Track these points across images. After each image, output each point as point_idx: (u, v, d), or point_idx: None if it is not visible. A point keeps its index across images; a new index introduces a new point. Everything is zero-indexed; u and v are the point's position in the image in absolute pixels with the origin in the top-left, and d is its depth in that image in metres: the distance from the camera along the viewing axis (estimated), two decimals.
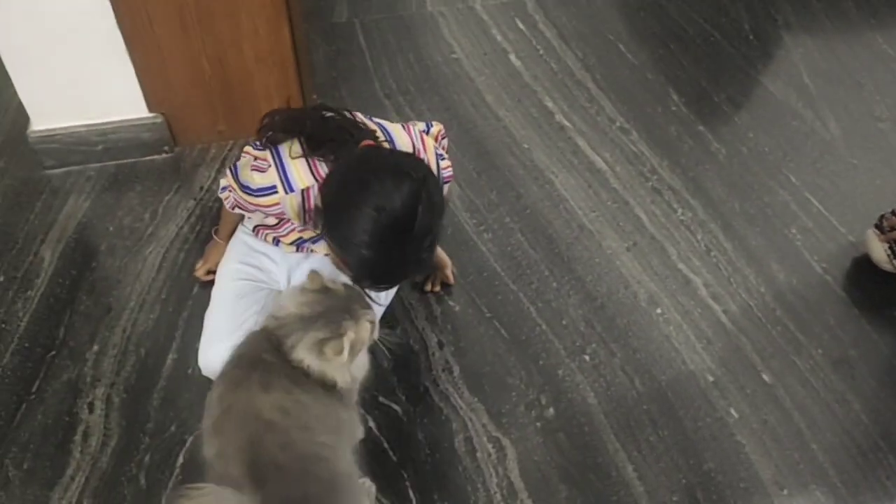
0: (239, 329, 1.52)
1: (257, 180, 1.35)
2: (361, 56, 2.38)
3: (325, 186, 1.28)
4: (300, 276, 1.59)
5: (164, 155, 2.06)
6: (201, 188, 1.98)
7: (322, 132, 1.33)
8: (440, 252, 1.77)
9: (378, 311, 1.63)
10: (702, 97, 2.25)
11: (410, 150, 1.38)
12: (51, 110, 1.93)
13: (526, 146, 2.12)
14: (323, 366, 1.16)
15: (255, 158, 1.38)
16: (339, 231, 1.23)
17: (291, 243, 1.54)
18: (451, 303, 1.78)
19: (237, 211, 1.50)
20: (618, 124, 2.18)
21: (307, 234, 1.51)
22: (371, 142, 1.33)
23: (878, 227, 1.82)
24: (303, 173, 1.33)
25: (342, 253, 1.25)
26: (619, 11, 2.52)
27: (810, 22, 2.51)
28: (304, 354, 1.16)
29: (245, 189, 1.37)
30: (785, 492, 1.51)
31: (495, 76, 2.31)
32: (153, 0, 1.74)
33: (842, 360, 1.69)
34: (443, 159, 1.44)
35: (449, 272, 1.79)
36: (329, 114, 1.38)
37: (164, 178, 2.01)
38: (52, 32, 1.77)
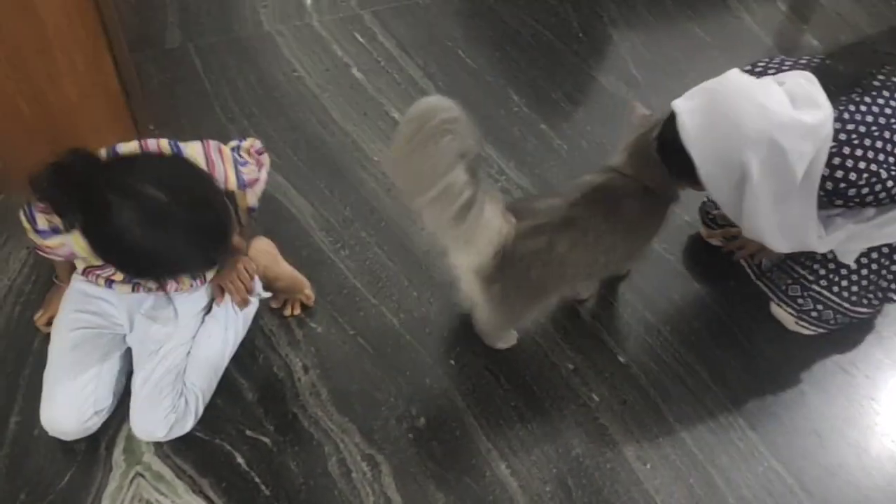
0: (78, 381, 1.45)
1: (41, 221, 1.30)
2: (199, 81, 2.31)
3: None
4: (142, 319, 1.54)
5: None
6: None
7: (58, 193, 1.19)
8: (296, 274, 1.75)
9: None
10: (540, 96, 2.33)
11: (201, 161, 1.35)
12: None
13: (376, 159, 2.13)
14: None
15: None
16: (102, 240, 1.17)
17: (123, 282, 1.47)
18: (312, 325, 1.76)
19: None
20: None
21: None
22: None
23: (707, 222, 1.94)
24: None
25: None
26: (453, 19, 2.57)
27: (634, 17, 2.65)
28: None
29: (35, 231, 1.32)
30: (648, 466, 1.59)
31: (340, 91, 2.31)
32: None
33: (688, 332, 1.80)
34: (244, 165, 1.43)
35: (307, 293, 1.77)
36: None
37: None
38: None
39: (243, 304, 1.59)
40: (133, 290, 1.49)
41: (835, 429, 1.68)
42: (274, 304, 1.77)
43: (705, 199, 1.95)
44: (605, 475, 1.57)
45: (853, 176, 1.42)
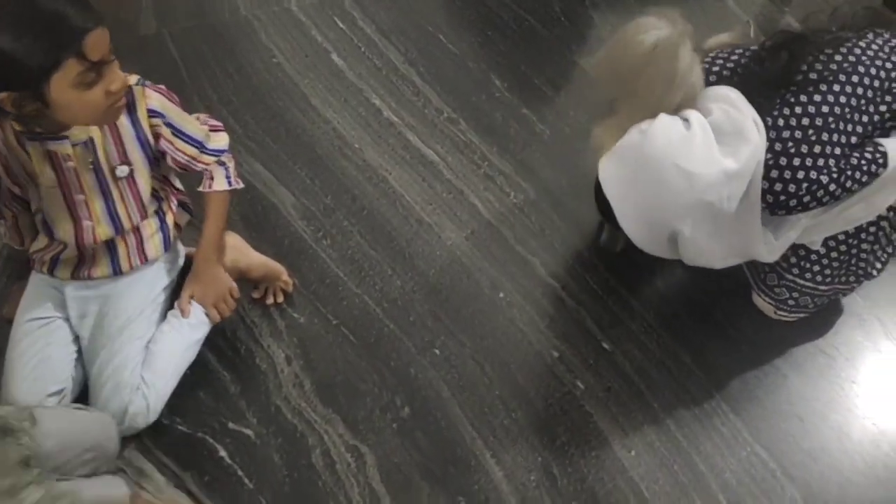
0: (30, 362, 1.47)
1: None
2: (176, 69, 2.27)
3: None
4: (94, 310, 1.54)
5: None
6: None
7: None
8: (268, 262, 1.74)
9: None
10: (522, 81, 2.31)
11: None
12: None
13: (357, 146, 2.11)
14: None
15: None
16: None
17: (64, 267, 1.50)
18: (294, 315, 1.74)
19: None
20: (445, 115, 2.20)
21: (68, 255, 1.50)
22: None
23: None
24: None
25: None
26: (435, 3, 2.54)
27: (615, 0, 2.63)
28: None
29: None
30: (633, 453, 1.59)
31: (319, 78, 2.27)
32: None
33: (671, 318, 1.80)
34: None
35: (284, 279, 1.75)
36: None
37: None
38: None
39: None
40: (73, 277, 1.50)
41: (816, 412, 1.69)
42: (255, 295, 1.75)
43: None
44: (591, 463, 1.57)
45: (792, 187, 1.40)
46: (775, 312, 1.75)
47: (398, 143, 2.13)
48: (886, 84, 1.43)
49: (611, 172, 1.45)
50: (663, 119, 1.43)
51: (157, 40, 2.34)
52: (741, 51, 1.53)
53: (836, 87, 1.41)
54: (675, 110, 1.47)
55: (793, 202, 1.42)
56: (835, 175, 1.40)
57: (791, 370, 1.74)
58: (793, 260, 1.66)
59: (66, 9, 1.15)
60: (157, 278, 1.58)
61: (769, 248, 1.53)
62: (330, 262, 1.85)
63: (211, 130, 1.59)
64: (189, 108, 2.15)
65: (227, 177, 1.60)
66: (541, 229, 1.96)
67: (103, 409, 1.46)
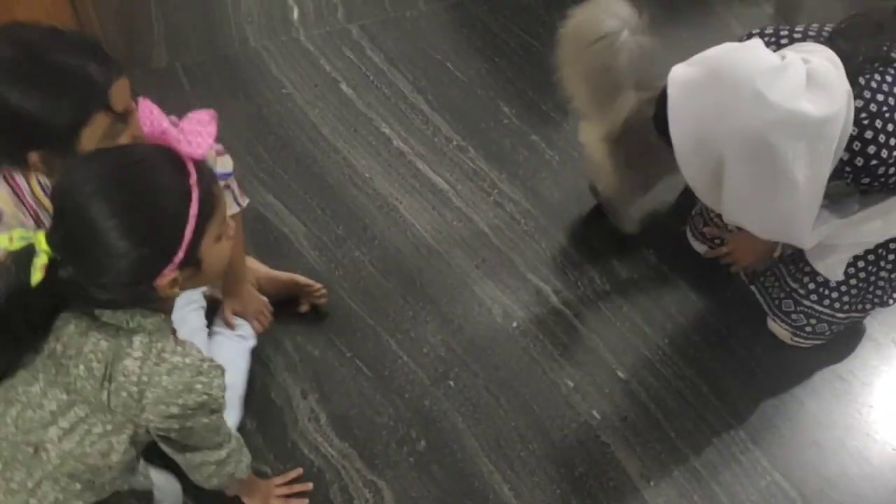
0: None
1: None
2: (187, 100, 2.29)
3: None
4: None
5: None
6: None
7: None
8: (286, 275, 1.79)
9: None
10: (531, 107, 2.32)
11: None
12: None
13: (367, 175, 2.11)
14: None
15: None
16: None
17: None
18: (309, 348, 1.74)
19: None
20: (454, 143, 2.21)
21: None
22: None
23: (697, 236, 1.92)
24: None
25: None
26: (442, 31, 2.55)
27: None
28: None
29: None
30: (651, 483, 1.58)
31: (329, 107, 2.29)
32: None
33: (686, 345, 1.79)
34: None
35: (303, 283, 1.79)
36: None
37: None
38: None
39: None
40: None
41: (835, 438, 1.68)
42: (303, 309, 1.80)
43: (692, 213, 1.93)
44: (609, 494, 1.56)
45: (885, 153, 1.33)
46: (792, 339, 1.74)
47: (408, 171, 2.13)
48: None
49: (681, 73, 1.35)
50: (758, 42, 1.35)
51: (168, 73, 2.36)
52: (801, 28, 1.45)
53: None
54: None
55: (881, 169, 1.35)
56: None
57: (808, 397, 1.73)
58: (811, 286, 1.65)
59: (89, 64, 1.15)
60: (186, 302, 1.59)
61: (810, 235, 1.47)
62: (342, 293, 1.85)
63: (216, 154, 1.60)
64: None
65: (235, 199, 1.61)
66: (552, 256, 1.96)
67: None
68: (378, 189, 2.08)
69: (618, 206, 1.94)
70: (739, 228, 1.78)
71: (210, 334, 1.64)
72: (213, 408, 1.14)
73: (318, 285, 1.79)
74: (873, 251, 1.61)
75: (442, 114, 2.29)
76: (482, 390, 1.70)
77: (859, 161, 1.35)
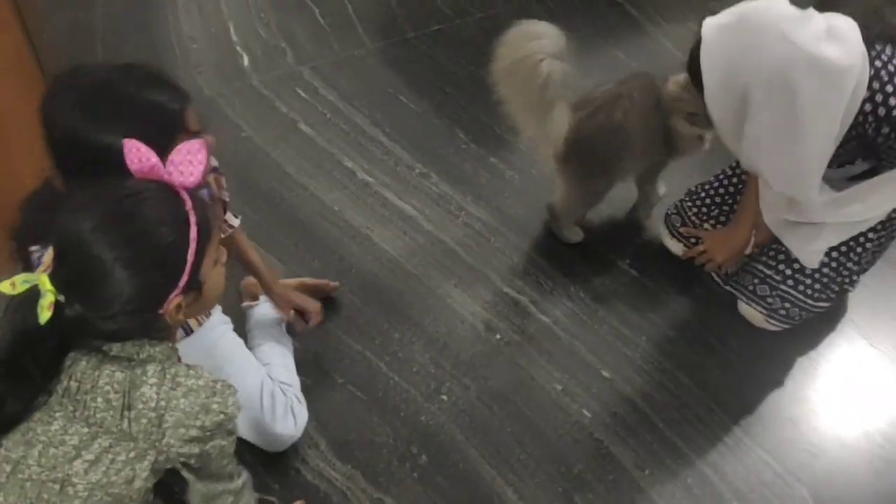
0: None
1: None
2: None
3: None
4: None
5: None
6: None
7: None
8: (296, 281, 1.88)
9: None
10: (486, 131, 2.41)
11: None
12: None
13: (336, 208, 2.16)
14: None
15: None
16: None
17: None
18: (301, 378, 1.76)
19: None
20: (417, 170, 2.28)
21: None
22: None
23: (675, 235, 2.01)
24: None
25: None
26: (392, 67, 2.64)
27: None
28: None
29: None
30: (647, 472, 1.65)
31: (290, 147, 2.33)
32: None
33: (664, 341, 1.88)
34: None
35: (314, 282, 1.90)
36: None
37: None
38: None
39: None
40: None
41: (810, 414, 1.78)
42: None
43: (668, 213, 2.03)
44: (609, 487, 1.62)
45: None
46: (766, 320, 1.84)
47: (376, 201, 2.19)
48: None
49: (715, 19, 1.49)
50: (784, 0, 1.48)
51: None
52: None
53: None
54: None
55: None
56: None
57: (781, 376, 1.83)
58: (788, 272, 1.77)
59: (164, 94, 1.24)
60: (218, 321, 1.62)
61: (818, 193, 1.59)
62: (328, 323, 1.87)
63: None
64: None
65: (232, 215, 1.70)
66: (524, 269, 2.03)
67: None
68: (349, 220, 2.13)
69: (563, 217, 2.05)
70: (715, 226, 1.90)
71: (251, 348, 1.68)
72: (230, 428, 1.15)
73: (325, 281, 1.92)
74: (846, 243, 1.74)
75: (402, 144, 2.36)
76: (475, 401, 1.74)
77: (881, 111, 1.47)
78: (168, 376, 1.10)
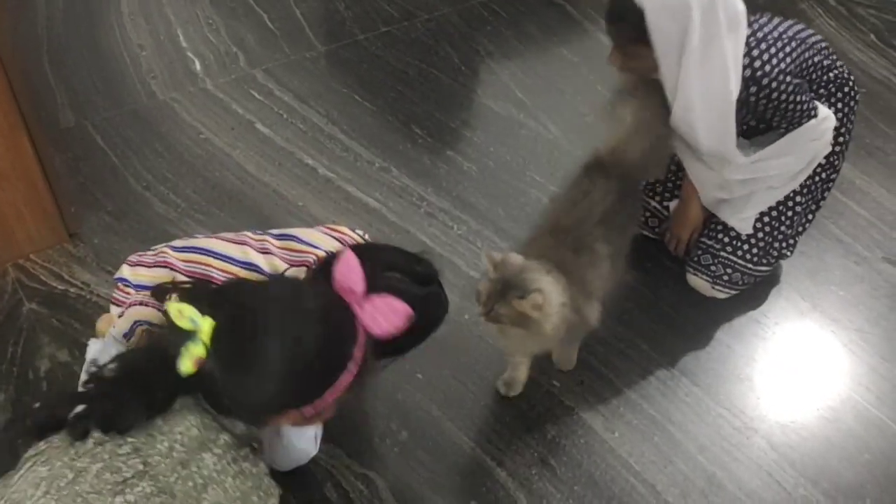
0: None
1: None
2: (105, 156, 2.31)
3: None
4: None
5: None
6: None
7: None
8: None
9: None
10: (441, 126, 2.49)
11: None
12: None
13: (301, 203, 2.20)
14: None
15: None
16: None
17: None
18: None
19: None
20: (377, 165, 2.34)
21: None
22: None
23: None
24: None
25: None
26: (344, 68, 2.70)
27: (507, 48, 2.87)
28: None
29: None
30: (616, 434, 1.74)
31: (250, 147, 2.37)
32: None
33: (622, 312, 1.98)
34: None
35: None
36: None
37: None
38: None
39: None
40: None
41: (761, 372, 1.90)
42: None
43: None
44: (582, 450, 1.70)
45: (769, 68, 1.66)
46: (712, 287, 1.96)
47: (339, 196, 2.24)
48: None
49: None
50: None
51: (80, 131, 2.38)
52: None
53: None
54: None
55: (766, 80, 1.66)
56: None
57: (732, 340, 1.95)
58: (726, 240, 1.90)
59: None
60: None
61: (738, 151, 1.76)
62: None
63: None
64: (126, 190, 2.21)
65: None
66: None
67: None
68: (314, 214, 2.17)
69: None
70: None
71: None
72: None
73: None
74: (775, 207, 1.88)
75: (360, 141, 2.42)
76: (449, 379, 1.81)
77: (747, 73, 1.67)
78: (232, 453, 1.12)
